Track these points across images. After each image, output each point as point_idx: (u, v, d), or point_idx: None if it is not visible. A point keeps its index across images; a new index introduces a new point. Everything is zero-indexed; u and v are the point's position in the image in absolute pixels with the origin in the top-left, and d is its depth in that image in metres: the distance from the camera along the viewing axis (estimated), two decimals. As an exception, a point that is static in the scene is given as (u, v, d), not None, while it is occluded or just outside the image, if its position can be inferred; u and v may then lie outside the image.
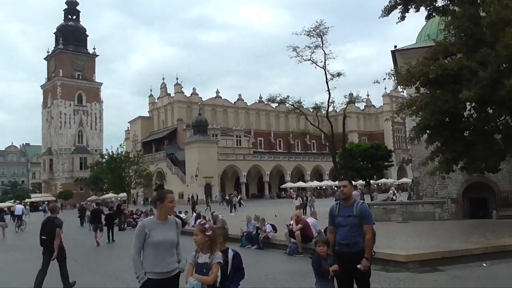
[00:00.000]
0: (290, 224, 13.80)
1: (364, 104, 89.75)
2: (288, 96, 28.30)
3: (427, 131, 14.05)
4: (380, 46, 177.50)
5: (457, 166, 15.50)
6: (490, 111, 13.09)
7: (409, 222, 18.61)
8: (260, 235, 14.89)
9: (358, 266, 5.17)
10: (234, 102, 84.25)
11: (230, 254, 4.69)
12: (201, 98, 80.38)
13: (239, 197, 43.67)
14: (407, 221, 19.01)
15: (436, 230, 15.50)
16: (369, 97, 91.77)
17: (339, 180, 5.77)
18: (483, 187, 25.20)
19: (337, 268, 5.20)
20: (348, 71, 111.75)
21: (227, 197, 50.09)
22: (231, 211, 35.71)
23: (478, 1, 12.75)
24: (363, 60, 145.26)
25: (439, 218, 19.37)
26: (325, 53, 25.77)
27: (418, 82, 13.63)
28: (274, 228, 15.20)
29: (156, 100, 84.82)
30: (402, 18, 16.99)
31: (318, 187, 69.26)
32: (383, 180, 64.24)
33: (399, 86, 17.31)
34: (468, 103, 13.40)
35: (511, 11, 11.08)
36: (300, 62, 26.61)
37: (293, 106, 28.54)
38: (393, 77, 16.02)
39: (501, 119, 14.02)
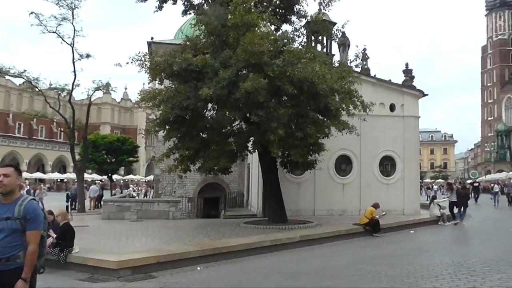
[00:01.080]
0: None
1: (121, 97, 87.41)
2: (25, 70, 23.89)
3: (167, 126, 13.45)
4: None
5: (194, 165, 15.48)
6: (228, 113, 13.34)
7: (143, 221, 17.77)
8: None
9: (10, 292, 3.56)
10: (-39, 71, 69.09)
11: None
12: None
13: None
14: (141, 220, 18.13)
15: (165, 230, 14.99)
16: (127, 90, 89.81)
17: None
18: (217, 187, 26.84)
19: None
20: (114, 61, 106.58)
21: None
22: None
23: (228, 3, 12.84)
24: (131, 50, 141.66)
25: (173, 217, 19.17)
26: (74, 29, 22.73)
27: (163, 74, 12.91)
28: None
29: None
30: (160, 7, 16.26)
31: (59, 180, 63.06)
32: (130, 176, 63.06)
33: (149, 80, 16.35)
34: (211, 104, 13.43)
35: (253, 16, 11.40)
36: (44, 32, 22.77)
37: (31, 83, 24.31)
38: (141, 67, 14.97)
39: (236, 123, 14.60)
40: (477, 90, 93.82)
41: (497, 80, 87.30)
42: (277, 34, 13.53)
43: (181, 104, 12.19)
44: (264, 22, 13.05)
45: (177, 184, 25.22)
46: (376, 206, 13.72)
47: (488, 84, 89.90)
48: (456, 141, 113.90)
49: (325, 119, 13.32)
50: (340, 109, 12.72)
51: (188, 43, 14.04)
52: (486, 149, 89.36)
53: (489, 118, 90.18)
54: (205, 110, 13.51)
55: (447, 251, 10.14)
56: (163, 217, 18.90)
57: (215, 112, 13.96)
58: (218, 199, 26.36)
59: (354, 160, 19.45)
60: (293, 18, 15.22)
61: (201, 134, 13.63)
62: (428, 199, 27.64)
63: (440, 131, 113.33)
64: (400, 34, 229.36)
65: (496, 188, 29.96)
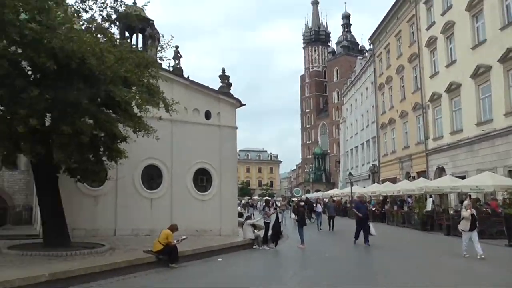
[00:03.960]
0: None
1: None
2: None
3: None
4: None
5: None
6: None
7: None
8: None
9: None
10: None
11: None
12: None
13: None
14: None
15: None
16: None
17: None
18: (-2, 201, 21.49)
19: None
20: None
21: None
22: None
23: None
24: None
25: None
26: None
27: None
28: None
29: None
30: None
31: None
32: None
33: None
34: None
35: None
36: None
37: None
38: None
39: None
40: (299, 116, 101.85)
41: (313, 108, 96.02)
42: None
43: None
44: None
45: None
46: (173, 228, 11.10)
47: (307, 111, 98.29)
48: (280, 161, 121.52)
49: (117, 116, 10.40)
50: (133, 102, 9.88)
51: None
52: (306, 170, 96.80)
53: (307, 142, 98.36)
54: None
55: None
56: None
57: None
58: (-1, 215, 21.01)
59: (165, 172, 16.91)
60: None
61: None
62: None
63: (266, 151, 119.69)
64: (229, 58, 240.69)
65: (319, 208, 26.41)
